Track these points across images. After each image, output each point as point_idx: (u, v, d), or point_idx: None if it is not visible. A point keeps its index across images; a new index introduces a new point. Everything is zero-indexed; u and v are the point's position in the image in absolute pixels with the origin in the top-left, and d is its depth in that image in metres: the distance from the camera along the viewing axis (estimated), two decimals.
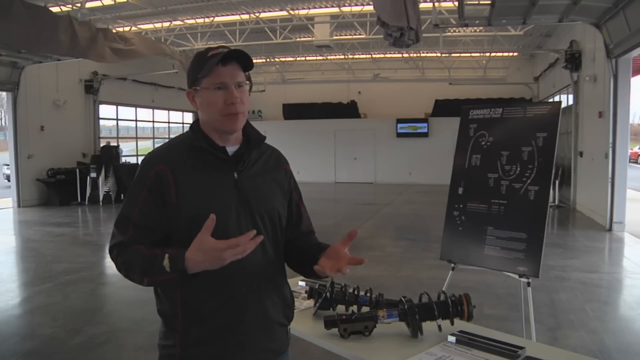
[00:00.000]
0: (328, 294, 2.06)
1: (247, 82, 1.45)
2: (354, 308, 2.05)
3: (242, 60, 1.43)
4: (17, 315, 4.77)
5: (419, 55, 15.77)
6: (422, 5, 8.65)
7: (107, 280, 5.98)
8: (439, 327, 1.84)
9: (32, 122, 12.40)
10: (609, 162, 8.43)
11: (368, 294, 2.09)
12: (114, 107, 15.77)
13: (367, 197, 15.00)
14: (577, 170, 11.05)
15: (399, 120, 18.50)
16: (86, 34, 9.26)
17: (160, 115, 18.29)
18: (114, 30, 10.69)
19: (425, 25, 9.39)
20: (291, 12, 11.42)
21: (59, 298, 5.16)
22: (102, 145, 14.47)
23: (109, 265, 6.75)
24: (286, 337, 1.56)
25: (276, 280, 1.52)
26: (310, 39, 12.91)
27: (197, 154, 1.43)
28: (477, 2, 8.00)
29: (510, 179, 3.14)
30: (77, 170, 12.91)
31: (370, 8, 9.85)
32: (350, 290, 2.11)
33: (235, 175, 1.44)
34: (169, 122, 19.09)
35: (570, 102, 11.45)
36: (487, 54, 15.56)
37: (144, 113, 17.35)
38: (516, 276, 3.03)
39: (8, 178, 16.02)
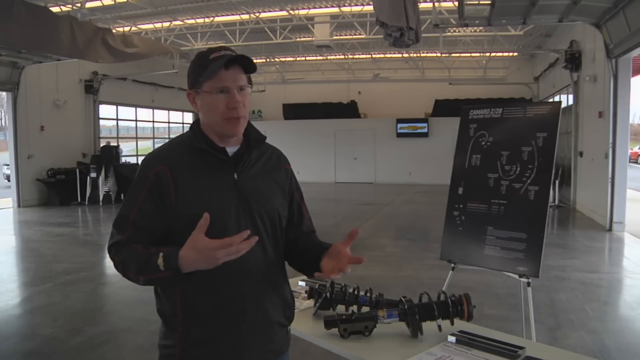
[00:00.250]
0: (328, 294, 2.06)
1: (249, 85, 1.44)
2: (354, 308, 2.05)
3: (244, 63, 1.42)
4: (17, 315, 4.77)
5: (419, 55, 15.77)
6: (422, 5, 8.65)
7: (107, 280, 5.98)
8: (439, 327, 1.84)
9: (32, 122, 12.40)
10: (609, 162, 8.43)
11: (368, 294, 2.09)
12: (114, 107, 15.77)
13: (367, 197, 15.00)
14: (577, 170, 11.05)
15: (399, 120, 18.50)
16: (86, 35, 9.26)
17: (160, 115, 18.29)
18: (114, 30, 10.69)
19: (425, 25, 9.40)
20: (291, 12, 11.42)
21: (59, 298, 5.16)
22: (102, 145, 14.47)
23: (109, 265, 6.74)
24: (286, 338, 1.56)
25: (276, 281, 1.51)
26: (310, 39, 12.91)
27: (197, 154, 1.42)
28: (477, 2, 8.00)
29: (510, 179, 3.14)
30: (77, 170, 12.91)
31: (370, 8, 9.85)
32: (350, 290, 2.11)
33: (235, 176, 1.43)
34: (169, 122, 19.10)
35: (570, 102, 11.45)
36: (487, 54, 15.56)
37: (144, 113, 17.35)
38: (516, 276, 3.03)
39: (8, 178, 16.02)
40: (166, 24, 12.34)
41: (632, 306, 4.86)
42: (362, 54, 16.06)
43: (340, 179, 19.35)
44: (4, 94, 13.70)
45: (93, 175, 12.85)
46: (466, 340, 1.76)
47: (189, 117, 19.34)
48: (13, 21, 7.86)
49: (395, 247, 7.85)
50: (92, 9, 10.11)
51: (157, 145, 18.40)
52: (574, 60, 10.78)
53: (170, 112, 18.75)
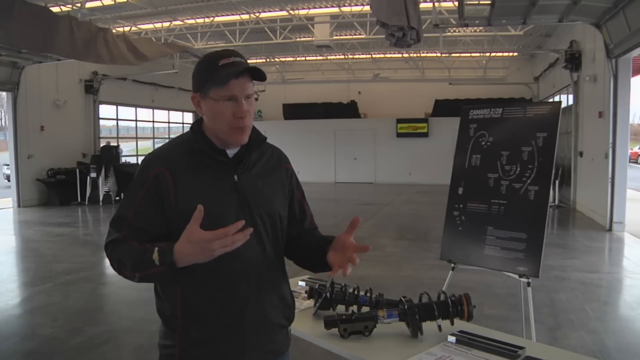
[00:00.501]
0: (328, 294, 2.06)
1: (256, 93, 1.44)
2: (354, 308, 2.05)
3: (253, 71, 1.41)
4: (17, 315, 4.77)
5: (419, 55, 15.77)
6: (422, 5, 8.64)
7: (107, 280, 5.98)
8: (439, 327, 1.84)
9: (32, 122, 12.40)
10: (609, 162, 8.43)
11: (368, 294, 2.09)
12: (114, 107, 15.78)
13: (367, 197, 15.00)
14: (577, 170, 11.05)
15: (399, 120, 18.50)
16: (86, 35, 9.26)
17: (160, 115, 18.30)
18: (114, 30, 10.69)
19: (425, 25, 9.39)
20: (291, 12, 11.42)
21: (59, 298, 5.16)
22: (102, 145, 14.47)
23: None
24: (286, 338, 1.56)
25: (276, 281, 1.51)
26: (310, 39, 12.91)
27: (197, 156, 1.42)
28: (477, 2, 8.00)
29: (510, 179, 3.14)
30: (77, 170, 12.91)
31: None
32: (350, 290, 2.11)
33: (235, 178, 1.43)
34: (169, 122, 19.10)
35: (570, 102, 11.45)
36: (487, 54, 15.56)
37: (144, 113, 17.36)
38: (516, 276, 3.03)
39: (8, 178, 16.02)
40: (166, 24, 12.33)
41: (632, 306, 4.86)
42: (362, 54, 16.06)
43: (340, 179, 19.35)
44: (4, 94, 13.70)
45: (93, 175, 12.85)
46: (466, 340, 1.76)
47: (189, 117, 19.36)
48: (14, 21, 7.87)
49: (395, 247, 7.85)
50: (92, 9, 10.10)
51: (157, 146, 18.46)
52: (574, 60, 10.77)
53: (170, 112, 18.76)
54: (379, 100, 19.06)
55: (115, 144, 14.78)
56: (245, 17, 11.81)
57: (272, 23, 12.08)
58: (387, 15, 6.41)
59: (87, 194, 12.87)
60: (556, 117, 3.06)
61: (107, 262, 1.50)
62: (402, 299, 1.90)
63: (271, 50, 14.85)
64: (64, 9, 9.85)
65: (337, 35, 13.01)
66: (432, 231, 8.41)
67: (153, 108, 17.49)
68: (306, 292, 2.24)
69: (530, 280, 2.97)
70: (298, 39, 13.43)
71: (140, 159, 16.96)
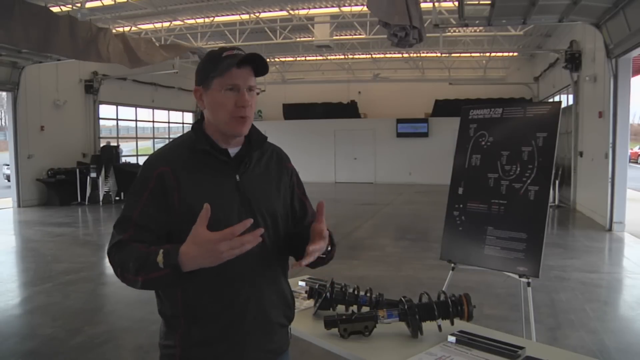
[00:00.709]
0: (328, 294, 2.06)
1: (258, 88, 1.44)
2: (354, 308, 2.05)
3: (256, 64, 1.42)
4: (17, 315, 4.77)
5: (419, 55, 15.77)
6: (422, 5, 8.64)
7: (107, 280, 5.98)
8: (439, 327, 1.84)
9: (32, 122, 12.40)
10: (609, 162, 8.43)
11: (368, 294, 2.09)
12: (114, 107, 15.77)
13: (367, 197, 15.00)
14: (577, 170, 11.05)
15: (399, 120, 18.50)
16: (86, 35, 9.26)
17: (160, 115, 18.29)
18: (113, 30, 10.69)
19: (426, 25, 9.38)
20: (291, 12, 11.42)
21: (59, 298, 5.16)
22: (102, 145, 14.47)
23: (109, 265, 6.71)
24: (286, 337, 1.56)
25: (277, 281, 1.51)
26: (310, 39, 12.91)
27: (199, 156, 1.42)
28: (477, 2, 8.00)
29: (510, 179, 3.14)
30: (77, 170, 12.91)
31: None
32: (350, 290, 2.11)
33: (237, 178, 1.43)
34: (169, 122, 19.10)
35: (570, 102, 11.45)
36: (487, 54, 15.56)
37: (144, 113, 17.35)
38: (516, 276, 3.03)
39: (8, 178, 16.02)
40: (166, 24, 12.33)
41: (632, 306, 4.86)
42: (362, 54, 16.06)
43: (340, 179, 19.35)
44: (4, 94, 13.70)
45: (93, 175, 12.85)
46: (466, 340, 1.76)
47: (189, 117, 19.36)
48: (14, 21, 7.87)
49: (395, 247, 7.85)
50: (92, 9, 10.10)
51: (157, 145, 18.49)
52: (574, 60, 10.78)
53: (170, 112, 18.74)
54: (379, 100, 19.06)
55: (115, 144, 14.78)
56: (245, 17, 11.81)
57: (272, 23, 12.08)
58: (389, 15, 6.39)
59: (87, 194, 12.86)
60: (556, 117, 3.06)
61: (107, 262, 1.48)
62: (402, 299, 1.90)
63: (271, 50, 14.84)
64: (64, 9, 9.85)
65: (337, 35, 13.01)
66: (432, 231, 8.41)
67: (153, 108, 17.49)
68: (306, 292, 2.24)
69: (530, 280, 2.97)
70: (298, 39, 13.43)
71: (140, 158, 17.00)
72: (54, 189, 12.62)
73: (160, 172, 1.38)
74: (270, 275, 1.48)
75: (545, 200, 2.98)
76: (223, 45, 1.50)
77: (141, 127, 17.96)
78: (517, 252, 3.01)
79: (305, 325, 1.98)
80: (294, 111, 19.66)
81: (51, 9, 9.06)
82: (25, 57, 11.12)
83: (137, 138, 17.61)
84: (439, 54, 14.28)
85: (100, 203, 12.83)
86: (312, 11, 11.62)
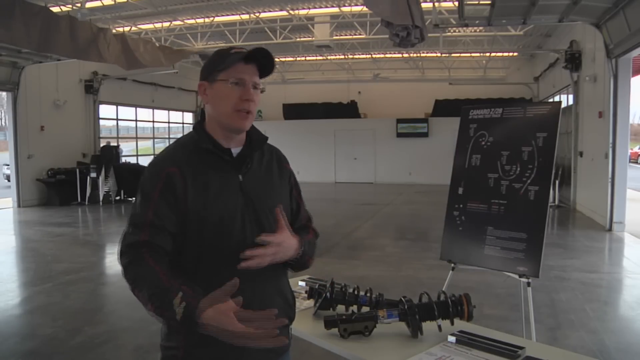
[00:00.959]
0: (328, 294, 2.06)
1: (262, 86, 1.46)
2: (354, 308, 2.05)
3: (262, 62, 1.45)
4: (17, 315, 4.77)
5: (419, 55, 15.76)
6: (423, 5, 8.64)
7: (107, 280, 5.98)
8: (439, 327, 1.84)
9: (32, 122, 12.40)
10: (609, 162, 8.43)
11: (368, 294, 2.09)
12: (114, 107, 15.77)
13: (367, 197, 15.00)
14: (577, 170, 11.05)
15: (399, 120, 18.50)
16: (86, 35, 9.26)
17: (160, 115, 18.28)
18: (113, 31, 10.69)
19: (426, 24, 9.39)
20: (291, 12, 11.42)
21: (59, 298, 5.16)
22: (102, 145, 14.46)
23: (109, 265, 6.75)
24: (287, 337, 1.56)
25: (279, 281, 1.52)
26: (310, 39, 12.90)
27: (203, 156, 1.43)
28: (477, 2, 8.00)
29: (510, 179, 3.14)
30: (77, 170, 12.91)
31: None
32: (350, 290, 2.11)
33: (240, 178, 1.44)
34: (168, 122, 19.09)
35: (570, 102, 11.45)
36: (487, 54, 15.55)
37: (144, 113, 17.35)
38: (516, 276, 3.03)
39: (8, 178, 16.02)
40: (166, 24, 12.33)
41: (632, 306, 4.86)
42: (362, 54, 16.05)
43: (340, 179, 19.35)
44: (4, 94, 13.70)
45: (93, 175, 12.84)
46: (466, 340, 1.76)
47: (189, 117, 19.35)
48: (14, 21, 7.87)
49: (395, 247, 7.85)
50: (92, 9, 10.10)
51: (157, 145, 18.49)
52: (574, 60, 10.77)
53: (170, 112, 18.74)
54: (379, 100, 19.06)
55: (115, 144, 14.78)
56: (245, 17, 11.81)
57: (272, 23, 12.08)
58: (392, 14, 6.38)
59: (87, 194, 12.86)
60: (556, 117, 3.06)
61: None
62: (402, 299, 1.90)
63: (271, 50, 14.24)
64: (64, 9, 9.85)
65: (337, 35, 13.01)
66: (432, 231, 8.41)
67: (153, 108, 17.48)
68: (306, 292, 2.24)
69: (530, 280, 2.97)
70: (298, 39, 13.43)
71: (141, 159, 17.01)
72: (54, 189, 12.62)
73: (169, 173, 1.38)
74: (272, 274, 1.48)
75: (545, 200, 2.98)
76: (229, 45, 1.54)
77: (141, 127, 17.96)
78: (517, 252, 3.01)
79: (305, 325, 1.97)
80: (294, 111, 19.66)
81: (51, 9, 9.06)
82: (25, 57, 11.12)
83: (137, 138, 17.61)
84: (439, 54, 14.28)
85: (100, 203, 12.83)
86: (312, 11, 11.62)
